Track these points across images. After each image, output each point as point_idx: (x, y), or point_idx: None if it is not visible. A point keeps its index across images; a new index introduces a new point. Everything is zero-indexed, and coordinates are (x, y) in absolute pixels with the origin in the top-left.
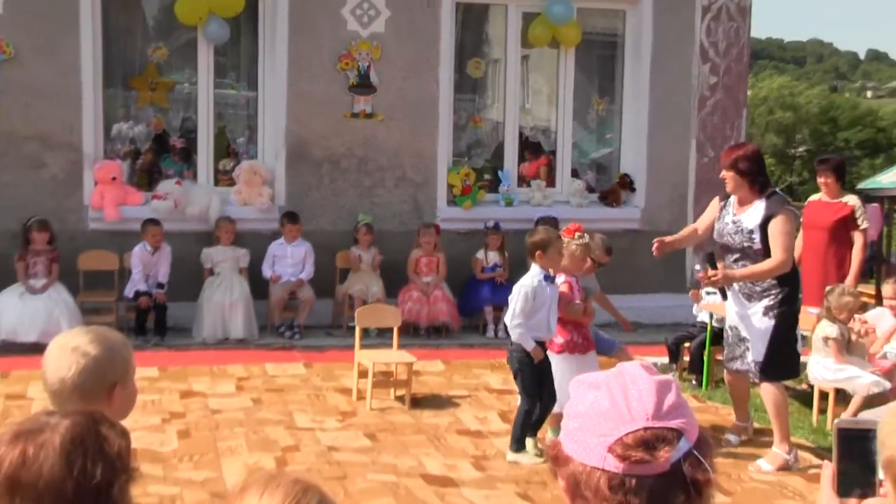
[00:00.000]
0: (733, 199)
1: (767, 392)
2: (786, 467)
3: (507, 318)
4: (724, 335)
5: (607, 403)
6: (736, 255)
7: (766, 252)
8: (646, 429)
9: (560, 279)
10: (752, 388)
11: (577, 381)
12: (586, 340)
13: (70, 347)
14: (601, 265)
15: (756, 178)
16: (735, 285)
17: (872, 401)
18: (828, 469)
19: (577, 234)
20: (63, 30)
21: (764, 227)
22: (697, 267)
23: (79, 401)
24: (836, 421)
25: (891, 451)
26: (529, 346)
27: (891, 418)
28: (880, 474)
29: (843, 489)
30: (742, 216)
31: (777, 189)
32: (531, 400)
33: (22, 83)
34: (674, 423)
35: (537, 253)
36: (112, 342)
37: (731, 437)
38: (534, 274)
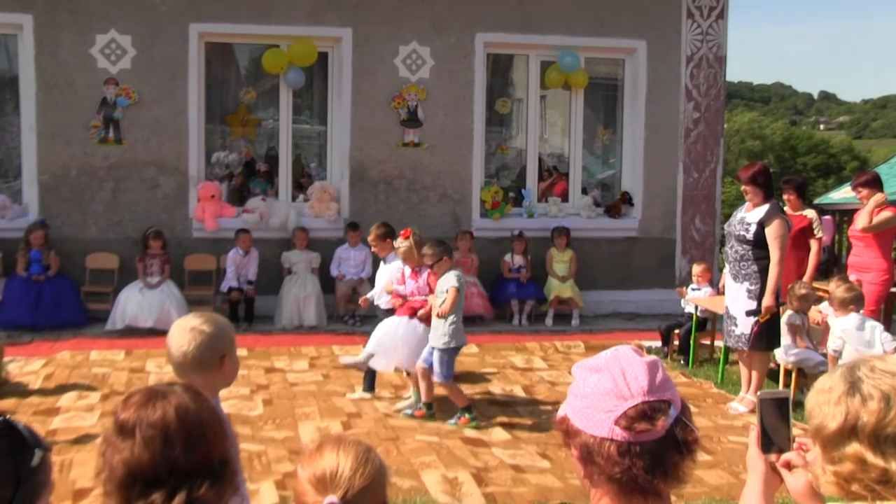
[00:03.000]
0: (747, 203)
1: (754, 356)
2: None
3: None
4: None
5: (610, 384)
6: (732, 242)
7: (755, 243)
8: (644, 402)
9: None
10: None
11: (580, 366)
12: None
13: (189, 328)
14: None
15: (768, 188)
16: (727, 266)
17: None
18: (753, 431)
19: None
20: (174, 80)
21: (761, 223)
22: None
23: (198, 369)
24: (758, 392)
25: (817, 419)
26: None
27: (814, 395)
28: (793, 433)
29: (765, 447)
30: (748, 214)
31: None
32: None
33: (143, 122)
34: (665, 396)
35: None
36: (220, 322)
37: (738, 406)
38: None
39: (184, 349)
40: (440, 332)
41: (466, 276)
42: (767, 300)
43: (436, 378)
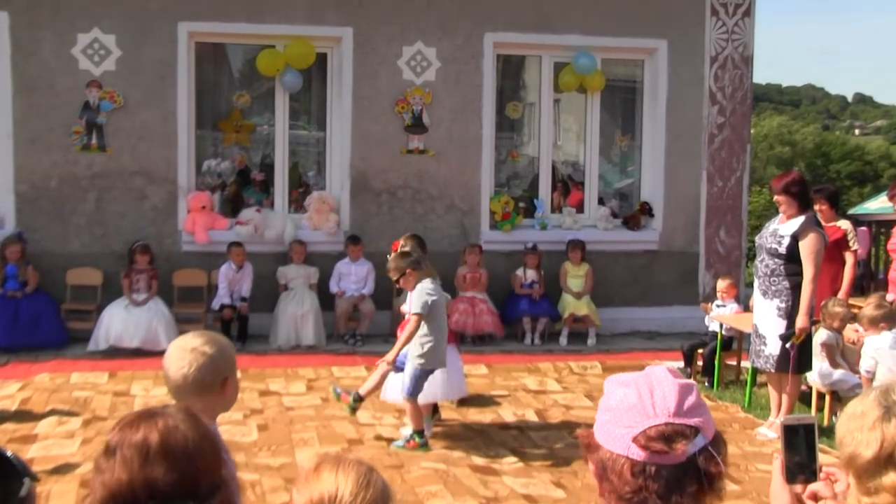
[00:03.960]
0: (780, 215)
1: (785, 379)
2: None
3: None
4: (752, 333)
5: (634, 399)
6: (762, 255)
7: (788, 257)
8: (667, 424)
9: None
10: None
11: (611, 379)
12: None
13: (189, 348)
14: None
15: (803, 198)
16: (756, 281)
17: None
18: (777, 460)
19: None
20: (163, 82)
21: (795, 237)
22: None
23: (198, 393)
24: (781, 419)
25: (850, 447)
26: None
27: (845, 420)
28: (821, 462)
29: (790, 476)
30: (782, 226)
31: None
32: None
33: (129, 127)
34: (692, 421)
35: None
36: (222, 343)
37: (767, 432)
38: None
39: (184, 371)
40: (414, 352)
41: (475, 293)
42: (801, 321)
43: (402, 392)
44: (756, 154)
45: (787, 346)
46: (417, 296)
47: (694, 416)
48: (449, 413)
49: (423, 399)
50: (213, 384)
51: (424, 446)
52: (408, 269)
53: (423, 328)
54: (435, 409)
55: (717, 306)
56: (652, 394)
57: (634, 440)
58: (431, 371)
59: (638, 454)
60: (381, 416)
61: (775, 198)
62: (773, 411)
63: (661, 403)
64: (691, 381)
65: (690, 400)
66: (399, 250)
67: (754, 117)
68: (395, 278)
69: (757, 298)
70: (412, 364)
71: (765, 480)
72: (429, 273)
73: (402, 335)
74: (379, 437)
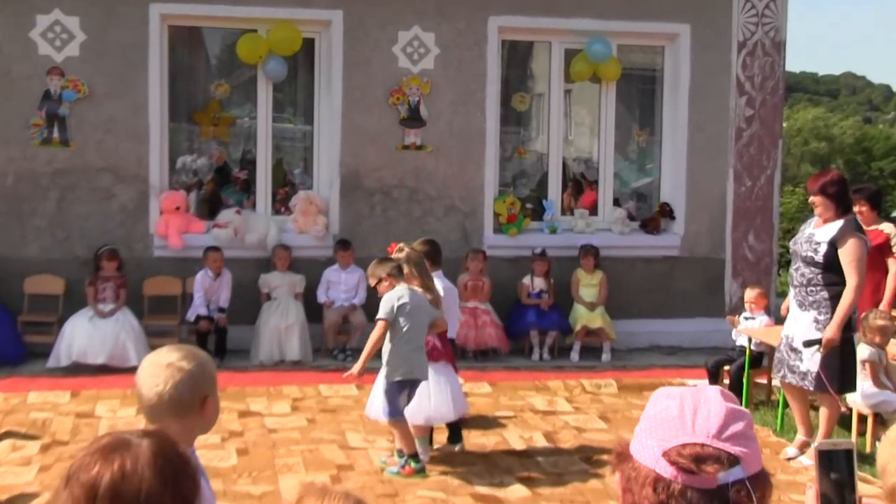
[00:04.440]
0: (816, 218)
1: (823, 401)
2: None
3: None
4: (777, 346)
5: (675, 413)
6: (798, 264)
7: (825, 265)
8: (703, 445)
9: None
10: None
11: (660, 391)
12: None
13: (164, 364)
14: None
15: (841, 201)
16: (791, 292)
17: None
18: (811, 490)
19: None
20: (133, 70)
21: (833, 243)
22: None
23: (175, 413)
24: (815, 444)
25: (893, 476)
26: None
27: (888, 446)
28: (860, 491)
29: None
30: (818, 230)
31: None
32: None
33: (95, 120)
34: (732, 449)
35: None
36: (201, 358)
37: (803, 459)
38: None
39: (159, 389)
40: (384, 360)
41: (477, 303)
42: (831, 331)
43: (382, 416)
44: (789, 150)
45: (814, 356)
46: (384, 300)
47: (737, 444)
48: (445, 435)
49: (415, 419)
50: (192, 403)
51: (421, 472)
52: (384, 276)
53: (394, 337)
54: (457, 435)
55: (745, 319)
56: (695, 411)
57: (665, 454)
58: (406, 385)
59: (665, 469)
60: (374, 440)
61: (811, 199)
62: (800, 428)
63: (703, 423)
64: (745, 410)
65: (736, 427)
66: (392, 254)
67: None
68: (372, 284)
69: (792, 308)
70: (382, 380)
71: None
72: (423, 284)
73: (366, 344)
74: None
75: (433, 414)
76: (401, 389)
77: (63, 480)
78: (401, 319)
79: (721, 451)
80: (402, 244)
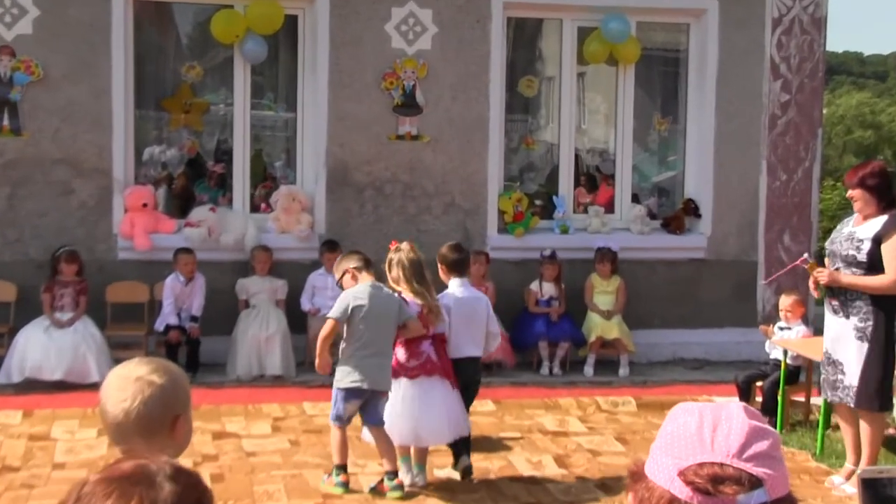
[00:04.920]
0: (856, 215)
1: (865, 419)
2: None
3: (496, 328)
4: (822, 360)
5: (693, 429)
6: (839, 264)
7: (869, 265)
8: (722, 465)
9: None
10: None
11: (679, 406)
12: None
13: (133, 378)
14: None
15: (884, 195)
16: (827, 296)
17: None
18: None
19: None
20: (94, 50)
21: (877, 240)
22: (806, 255)
23: (142, 433)
24: (859, 471)
25: None
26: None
27: None
28: None
29: None
30: (859, 228)
31: None
32: None
33: (51, 106)
34: (755, 470)
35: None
36: (174, 372)
37: (846, 486)
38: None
39: (126, 406)
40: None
41: None
42: (839, 276)
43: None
44: (829, 140)
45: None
46: (339, 298)
47: (760, 465)
48: (447, 459)
49: (403, 439)
50: (162, 422)
51: (342, 487)
52: (348, 271)
53: (348, 340)
54: (460, 451)
55: (780, 329)
56: (715, 428)
57: (681, 474)
58: (355, 393)
59: (681, 490)
60: (364, 464)
61: (849, 193)
62: (849, 455)
63: (723, 441)
64: (771, 428)
65: (760, 446)
66: (394, 250)
67: (828, 94)
68: (336, 278)
69: (828, 317)
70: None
71: None
72: (413, 289)
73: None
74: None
75: (425, 434)
76: (348, 397)
77: (66, 500)
78: (356, 322)
79: (742, 472)
80: (404, 244)
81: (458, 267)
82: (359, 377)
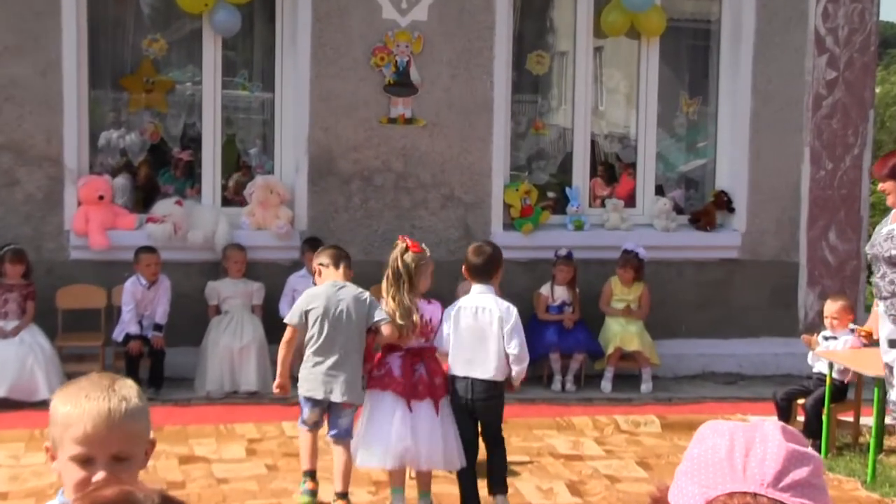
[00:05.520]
0: (894, 211)
1: None
2: None
3: (516, 349)
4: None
5: (723, 454)
6: (882, 269)
7: None
8: (755, 495)
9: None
10: None
11: (708, 425)
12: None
13: (104, 385)
14: None
15: None
16: (881, 304)
17: None
18: None
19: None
20: (41, 21)
21: None
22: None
23: (123, 444)
24: None
25: None
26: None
27: None
28: None
29: None
30: None
31: None
32: None
33: None
34: (793, 501)
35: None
36: (141, 394)
37: None
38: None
39: (111, 404)
40: None
41: None
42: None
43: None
44: (883, 123)
45: None
46: (298, 300)
47: (799, 495)
48: (445, 486)
49: (384, 461)
50: (142, 440)
51: (308, 495)
52: (316, 268)
53: (306, 345)
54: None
55: (825, 339)
56: (748, 452)
57: None
58: (311, 401)
59: None
60: (351, 491)
61: (880, 186)
62: None
63: (757, 467)
64: (813, 452)
65: (799, 473)
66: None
67: (881, 71)
68: (312, 274)
69: (885, 327)
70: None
71: None
72: (398, 300)
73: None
74: None
75: (362, 454)
76: (307, 404)
77: None
78: (311, 326)
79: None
80: (403, 241)
81: (479, 272)
82: (310, 386)
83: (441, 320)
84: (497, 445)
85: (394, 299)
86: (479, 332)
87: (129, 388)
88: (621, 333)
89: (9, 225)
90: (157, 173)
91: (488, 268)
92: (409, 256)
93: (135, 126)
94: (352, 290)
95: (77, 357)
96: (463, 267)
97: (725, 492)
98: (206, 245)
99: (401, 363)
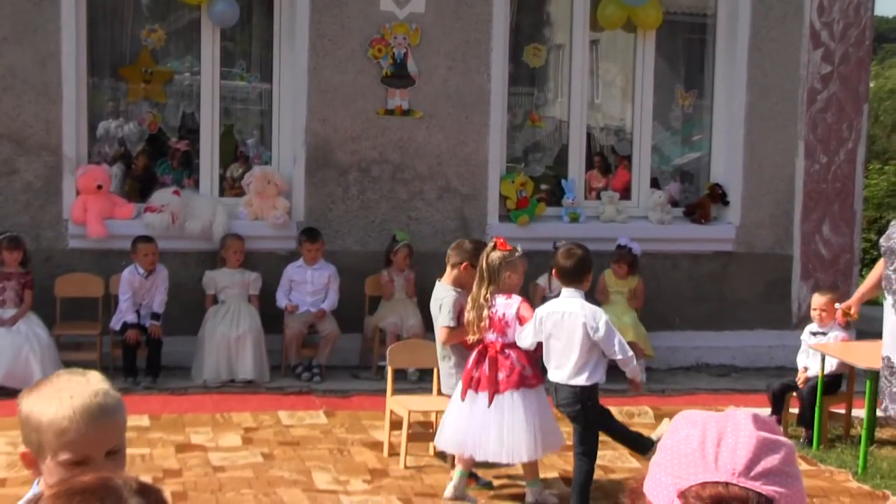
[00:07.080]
0: None
1: None
2: None
3: (619, 354)
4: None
5: (696, 444)
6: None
7: None
8: (727, 484)
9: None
10: None
11: (682, 415)
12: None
13: (81, 382)
14: None
15: None
16: (891, 298)
17: None
18: None
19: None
20: (40, 10)
21: None
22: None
23: (105, 433)
24: None
25: None
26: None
27: None
28: None
29: None
30: None
31: None
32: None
33: None
34: (764, 489)
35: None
36: (119, 398)
37: None
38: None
39: (96, 396)
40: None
41: None
42: None
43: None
44: (877, 117)
45: None
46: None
47: (771, 482)
48: (440, 475)
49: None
50: (122, 434)
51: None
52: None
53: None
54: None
55: (813, 334)
56: (719, 442)
57: (681, 495)
58: None
59: None
60: (347, 480)
61: None
62: None
63: (728, 456)
64: (784, 439)
65: (770, 461)
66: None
67: (876, 65)
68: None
69: (890, 319)
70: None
71: None
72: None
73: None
74: None
75: (473, 448)
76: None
77: None
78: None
79: (749, 492)
80: (496, 240)
81: (568, 275)
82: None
83: (515, 314)
84: (579, 457)
85: (472, 296)
86: (565, 338)
87: (101, 380)
88: (616, 324)
89: (7, 214)
90: (154, 163)
91: (578, 271)
92: (494, 255)
93: (133, 116)
94: (439, 287)
95: (75, 345)
96: (553, 270)
97: (698, 482)
98: (204, 235)
99: (474, 356)
